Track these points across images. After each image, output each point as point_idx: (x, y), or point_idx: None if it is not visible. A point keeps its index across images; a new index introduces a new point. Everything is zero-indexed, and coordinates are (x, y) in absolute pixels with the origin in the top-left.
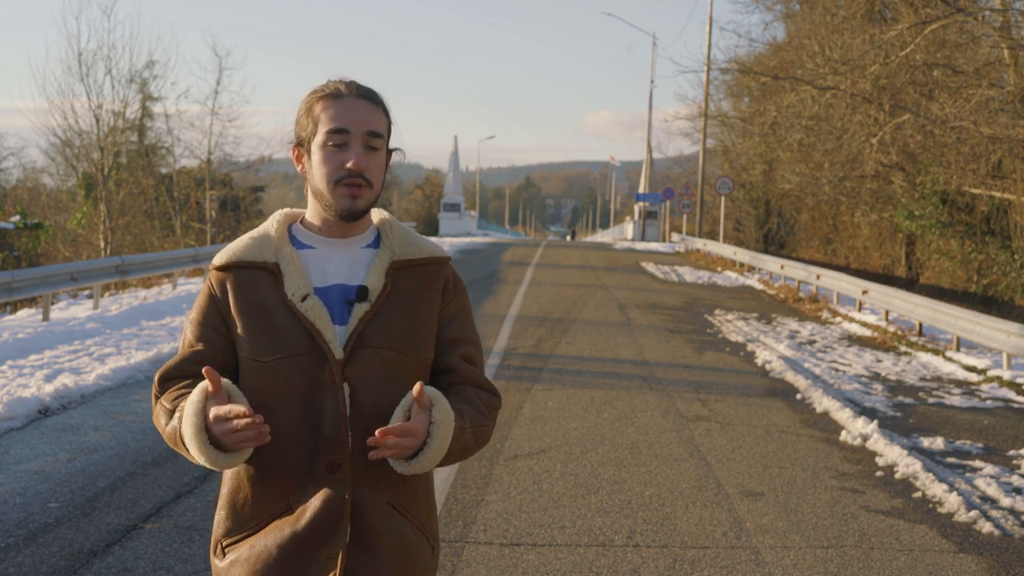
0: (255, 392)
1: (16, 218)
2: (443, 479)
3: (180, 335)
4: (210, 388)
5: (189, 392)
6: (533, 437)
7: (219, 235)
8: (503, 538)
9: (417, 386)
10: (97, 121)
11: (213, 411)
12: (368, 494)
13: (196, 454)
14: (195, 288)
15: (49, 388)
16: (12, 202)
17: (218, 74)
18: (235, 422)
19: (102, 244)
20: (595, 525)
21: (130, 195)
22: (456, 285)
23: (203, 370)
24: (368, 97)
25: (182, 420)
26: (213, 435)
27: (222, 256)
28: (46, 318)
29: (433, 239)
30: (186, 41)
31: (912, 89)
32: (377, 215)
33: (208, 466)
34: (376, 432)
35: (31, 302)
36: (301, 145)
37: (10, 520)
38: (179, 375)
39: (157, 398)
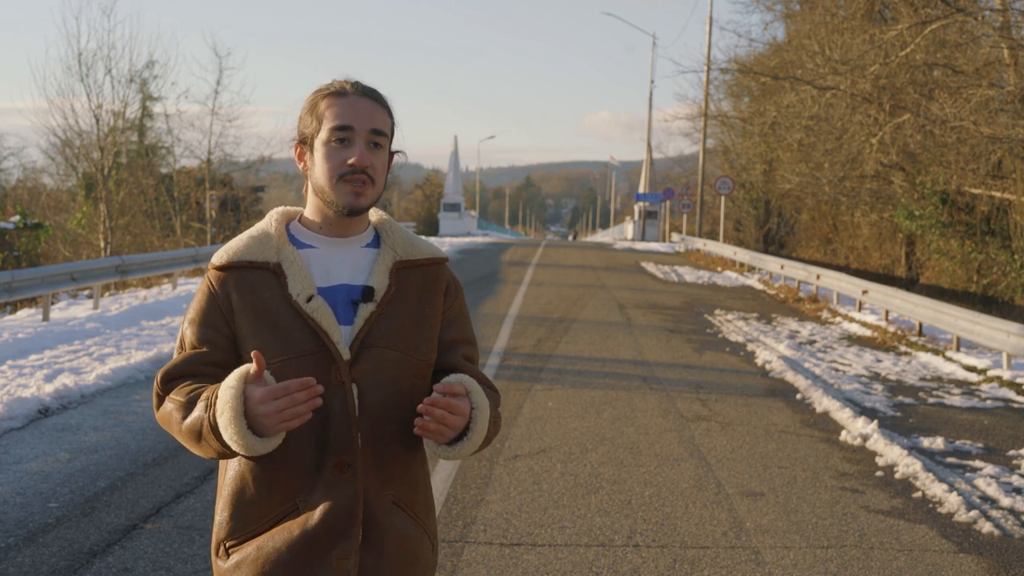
0: None
1: (16, 218)
2: (443, 479)
3: (178, 332)
4: (253, 370)
5: (203, 388)
6: (533, 437)
7: (219, 235)
8: (503, 538)
9: (454, 384)
10: (97, 121)
11: (264, 390)
12: (376, 493)
13: (232, 439)
14: (195, 288)
15: (49, 388)
16: (12, 202)
17: (218, 74)
18: (297, 395)
19: (102, 244)
20: (595, 525)
21: (130, 195)
22: (456, 287)
23: (252, 352)
24: (372, 96)
25: (215, 407)
26: (251, 419)
27: (222, 255)
28: (46, 318)
29: (432, 239)
30: (186, 41)
31: (912, 89)
32: (375, 214)
33: (242, 452)
34: (425, 400)
35: (31, 302)
36: (304, 142)
37: (10, 520)
38: (184, 374)
39: (161, 396)
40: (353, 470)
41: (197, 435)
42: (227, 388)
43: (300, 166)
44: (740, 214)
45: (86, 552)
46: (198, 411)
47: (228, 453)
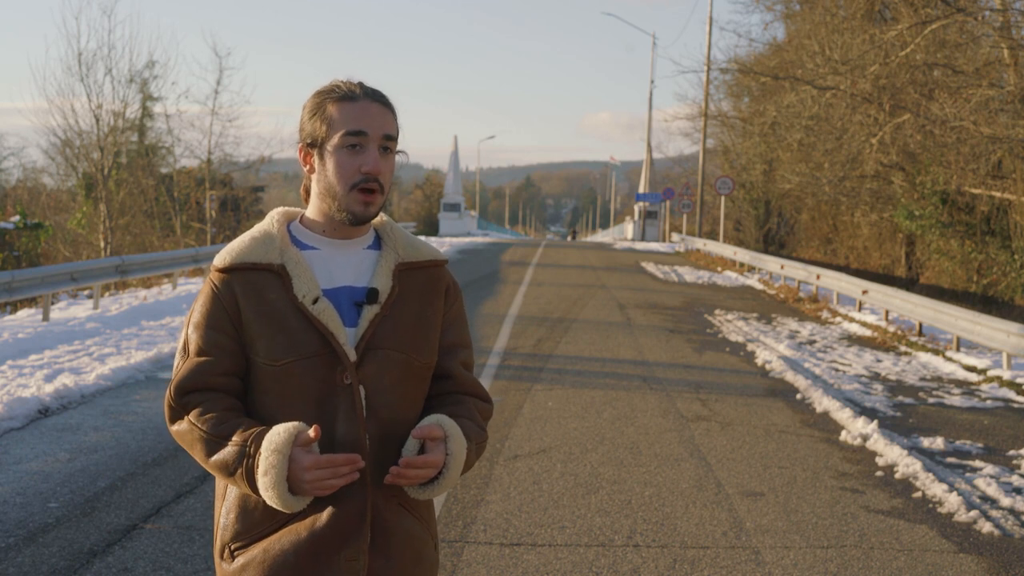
0: (269, 395)
1: (16, 218)
2: None
3: (180, 335)
4: (308, 439)
5: (229, 419)
6: (533, 437)
7: (219, 235)
8: (503, 538)
9: (433, 428)
10: (97, 121)
11: (312, 458)
12: (383, 495)
13: (272, 500)
14: (195, 288)
15: (49, 388)
16: (12, 202)
17: (218, 74)
18: (341, 468)
19: (102, 244)
20: (595, 525)
21: (130, 195)
22: (455, 289)
23: (312, 428)
24: (381, 100)
25: (255, 460)
26: (292, 480)
27: (224, 257)
28: (46, 318)
29: (432, 239)
30: (186, 41)
31: (912, 89)
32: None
33: (277, 507)
34: (400, 462)
35: (31, 302)
36: (312, 146)
37: (10, 520)
38: (198, 387)
39: (178, 412)
40: (361, 472)
41: (226, 473)
42: (274, 451)
43: (305, 168)
44: (740, 214)
45: (86, 552)
46: (231, 454)
47: (255, 495)
